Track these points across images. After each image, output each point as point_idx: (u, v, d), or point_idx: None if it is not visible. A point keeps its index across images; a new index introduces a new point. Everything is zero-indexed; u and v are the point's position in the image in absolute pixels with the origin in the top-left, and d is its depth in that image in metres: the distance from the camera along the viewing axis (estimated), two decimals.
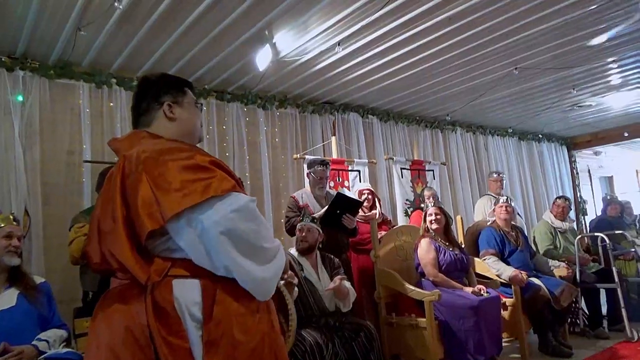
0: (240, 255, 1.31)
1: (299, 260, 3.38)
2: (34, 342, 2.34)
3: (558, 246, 5.18)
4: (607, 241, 4.75)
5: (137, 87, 1.64)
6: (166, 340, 1.26)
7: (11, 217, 2.60)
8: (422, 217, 4.23)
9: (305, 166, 4.71)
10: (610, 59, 5.08)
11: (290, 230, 3.86)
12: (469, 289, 3.80)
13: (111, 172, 1.46)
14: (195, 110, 1.63)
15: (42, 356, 2.29)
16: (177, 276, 1.33)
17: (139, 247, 1.34)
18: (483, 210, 5.71)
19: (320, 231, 3.52)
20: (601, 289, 4.88)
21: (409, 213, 5.64)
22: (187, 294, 1.31)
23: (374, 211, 4.59)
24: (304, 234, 3.45)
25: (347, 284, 3.39)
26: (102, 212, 1.41)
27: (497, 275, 4.27)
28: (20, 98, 3.90)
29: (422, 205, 4.94)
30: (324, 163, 4.09)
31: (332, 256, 3.62)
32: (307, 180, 4.45)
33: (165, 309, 1.29)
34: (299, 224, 3.53)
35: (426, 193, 5.13)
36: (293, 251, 3.47)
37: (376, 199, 4.74)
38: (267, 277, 1.38)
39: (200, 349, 1.27)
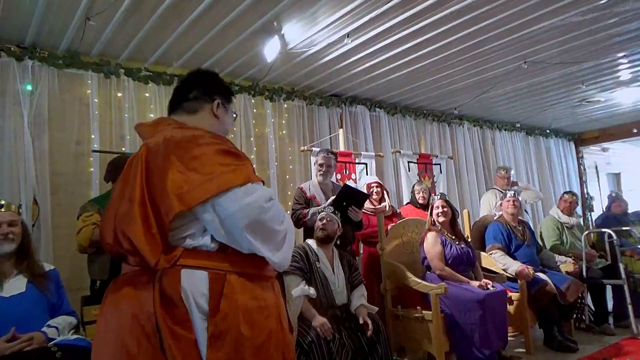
0: (260, 242, 1.37)
1: (315, 251, 3.39)
2: (43, 329, 2.35)
3: (565, 241, 5.17)
4: (615, 237, 4.73)
5: (192, 75, 1.68)
6: (171, 330, 1.26)
7: (2, 201, 2.59)
8: (429, 210, 4.23)
9: (312, 158, 4.72)
10: (620, 54, 5.03)
11: (296, 223, 3.86)
12: (475, 283, 3.80)
13: (133, 156, 1.47)
14: (232, 119, 1.71)
15: (51, 342, 2.29)
16: (186, 266, 1.33)
17: (154, 232, 1.34)
18: (489, 205, 5.69)
19: (340, 224, 3.52)
20: (607, 285, 4.87)
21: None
22: (195, 284, 1.31)
23: (383, 204, 4.60)
24: (324, 222, 3.45)
25: (363, 294, 3.43)
26: (119, 194, 1.43)
27: (504, 270, 4.27)
28: (29, 87, 3.91)
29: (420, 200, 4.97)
30: (328, 151, 4.15)
31: (350, 257, 3.63)
32: (314, 172, 4.45)
33: (172, 297, 1.29)
34: (321, 214, 3.53)
35: (416, 187, 5.10)
36: (311, 241, 3.48)
37: (385, 192, 4.74)
38: (283, 259, 1.45)
39: (204, 341, 1.27)
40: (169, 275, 1.31)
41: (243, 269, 1.38)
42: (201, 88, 1.62)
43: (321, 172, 4.08)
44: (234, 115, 1.74)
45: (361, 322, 3.19)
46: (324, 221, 3.46)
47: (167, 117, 1.61)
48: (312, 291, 3.09)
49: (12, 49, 3.87)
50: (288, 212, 4.52)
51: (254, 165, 4.98)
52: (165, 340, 1.25)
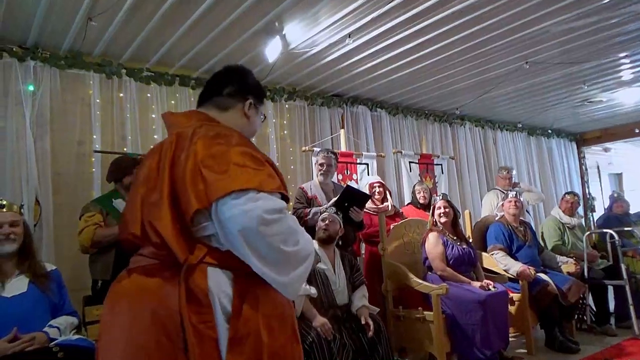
0: (257, 258, 1.27)
1: (317, 251, 3.40)
2: (45, 329, 2.36)
3: (566, 242, 5.16)
4: (616, 237, 4.73)
5: (227, 70, 1.65)
6: (196, 328, 1.22)
7: (3, 202, 2.59)
8: (430, 211, 4.23)
9: (314, 158, 4.72)
10: (622, 54, 5.03)
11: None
12: (476, 284, 3.80)
13: (159, 145, 1.45)
14: (260, 120, 1.68)
15: (53, 342, 2.30)
16: (212, 264, 1.29)
17: (182, 226, 1.31)
18: (490, 205, 5.69)
19: (342, 224, 3.53)
20: (609, 286, 4.86)
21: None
22: (220, 284, 1.28)
23: (386, 203, 4.60)
24: (327, 222, 3.46)
25: (364, 295, 3.42)
26: (145, 181, 1.38)
27: (505, 270, 4.26)
28: (31, 88, 3.92)
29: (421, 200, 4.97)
30: (328, 150, 4.15)
31: (352, 257, 3.64)
32: (315, 173, 4.46)
33: (198, 295, 1.25)
34: (323, 214, 3.53)
35: (417, 187, 5.11)
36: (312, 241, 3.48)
37: (387, 192, 4.74)
38: (290, 282, 1.34)
39: (225, 343, 1.24)
40: (196, 272, 1.27)
41: None
42: (236, 85, 1.59)
43: (322, 172, 4.08)
44: (263, 117, 1.70)
45: (363, 322, 3.19)
46: (327, 222, 3.46)
47: (198, 110, 1.58)
48: (313, 291, 3.10)
49: (14, 49, 3.88)
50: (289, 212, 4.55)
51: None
52: (189, 338, 1.21)
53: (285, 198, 1.38)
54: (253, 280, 1.30)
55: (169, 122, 1.53)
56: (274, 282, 1.30)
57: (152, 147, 1.53)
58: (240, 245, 1.26)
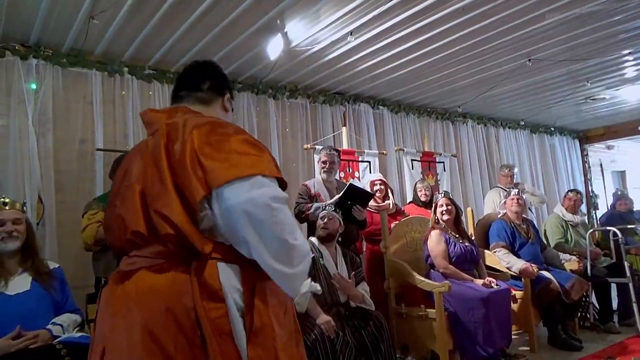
0: (260, 245, 1.25)
1: (318, 248, 3.40)
2: (48, 326, 2.37)
3: (569, 239, 5.15)
4: (620, 235, 4.71)
5: (200, 66, 1.69)
6: (214, 324, 1.22)
7: (6, 200, 2.60)
8: (432, 208, 4.22)
9: (316, 156, 4.71)
10: (625, 51, 5.00)
11: (298, 216, 3.88)
12: (479, 281, 3.79)
13: (143, 144, 1.44)
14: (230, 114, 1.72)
15: (56, 340, 2.31)
16: (220, 259, 1.29)
17: (191, 215, 1.28)
18: (492, 203, 5.68)
19: (341, 222, 3.53)
20: (612, 283, 4.85)
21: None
22: (230, 279, 1.28)
23: (387, 201, 4.59)
24: (325, 220, 3.46)
25: (365, 290, 3.42)
26: (142, 178, 1.35)
27: (508, 268, 4.26)
28: (33, 86, 3.92)
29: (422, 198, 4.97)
30: (331, 147, 4.16)
31: (353, 254, 3.64)
32: (317, 170, 4.46)
33: (212, 291, 1.24)
34: (322, 212, 3.54)
35: (418, 185, 5.10)
36: (313, 239, 3.49)
37: (388, 190, 4.74)
38: (295, 273, 1.31)
39: (242, 337, 1.24)
40: (207, 268, 1.26)
41: None
42: (213, 80, 1.64)
43: (325, 169, 4.08)
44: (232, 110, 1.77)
45: (341, 280, 3.23)
46: (325, 220, 3.46)
47: (180, 105, 1.58)
48: (318, 287, 3.09)
49: (16, 47, 3.88)
50: (292, 209, 4.53)
51: None
52: (207, 334, 1.20)
53: (282, 185, 1.38)
54: (258, 274, 1.30)
55: (149, 119, 1.50)
56: (277, 273, 1.28)
57: (133, 147, 1.51)
58: (245, 233, 1.23)
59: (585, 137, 9.39)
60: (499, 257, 4.35)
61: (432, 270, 3.97)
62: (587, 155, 9.44)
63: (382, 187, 4.65)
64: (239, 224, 1.23)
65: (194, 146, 1.28)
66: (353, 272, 3.39)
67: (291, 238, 1.27)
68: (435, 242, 3.97)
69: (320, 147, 4.70)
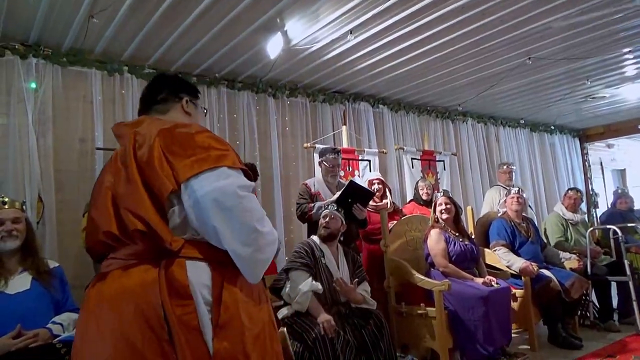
0: (228, 231, 1.30)
1: (320, 247, 3.40)
2: (48, 325, 2.37)
3: (569, 238, 5.16)
4: (620, 234, 4.71)
5: (154, 80, 1.74)
6: (180, 320, 1.26)
7: (5, 199, 2.60)
8: (432, 207, 4.22)
9: (316, 155, 4.71)
10: (625, 50, 5.00)
11: (301, 217, 3.87)
12: (479, 280, 3.79)
13: (114, 154, 1.51)
14: (202, 115, 1.78)
15: (56, 339, 2.31)
16: (189, 257, 1.33)
17: (160, 211, 1.34)
18: (491, 202, 5.69)
19: (343, 221, 3.52)
20: (612, 282, 4.85)
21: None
22: (199, 276, 1.31)
23: (385, 201, 4.59)
24: (327, 220, 3.46)
25: (366, 290, 3.42)
26: (115, 180, 1.42)
27: (508, 267, 4.26)
28: (33, 85, 3.92)
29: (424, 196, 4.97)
30: (335, 151, 4.11)
31: (354, 254, 3.64)
32: (317, 169, 4.45)
33: (179, 288, 1.28)
34: (324, 211, 3.53)
35: (420, 184, 5.11)
36: (315, 238, 3.49)
37: (386, 189, 4.73)
38: (258, 261, 1.37)
39: (209, 331, 1.28)
40: (175, 266, 1.30)
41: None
42: (166, 89, 1.68)
43: (332, 174, 4.10)
44: (205, 111, 1.82)
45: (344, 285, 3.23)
46: (327, 219, 3.46)
47: (145, 116, 1.64)
48: (319, 286, 3.10)
49: (16, 46, 3.88)
50: (292, 208, 4.54)
51: (257, 162, 5.01)
52: (174, 330, 1.24)
53: (248, 177, 1.43)
54: (228, 270, 1.35)
55: (120, 132, 1.56)
56: (243, 259, 1.33)
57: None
58: (215, 222, 1.29)
59: (585, 136, 9.39)
60: (499, 256, 4.35)
61: (432, 269, 3.97)
62: (587, 153, 9.44)
63: (380, 186, 4.64)
64: (208, 213, 1.30)
65: (160, 146, 1.36)
66: (355, 279, 3.38)
67: (259, 225, 1.34)
68: (435, 241, 3.97)
69: (321, 146, 4.70)
